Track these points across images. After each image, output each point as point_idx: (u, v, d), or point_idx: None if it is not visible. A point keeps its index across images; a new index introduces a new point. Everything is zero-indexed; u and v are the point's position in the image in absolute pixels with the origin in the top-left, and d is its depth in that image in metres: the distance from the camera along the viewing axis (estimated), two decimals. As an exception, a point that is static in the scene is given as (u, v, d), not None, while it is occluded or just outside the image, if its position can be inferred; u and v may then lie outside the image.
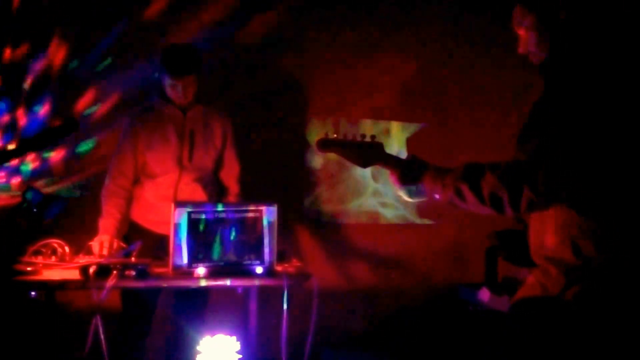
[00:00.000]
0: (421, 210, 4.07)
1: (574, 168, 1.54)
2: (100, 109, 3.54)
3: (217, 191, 3.20)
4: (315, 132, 3.80)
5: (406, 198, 1.94)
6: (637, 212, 1.58)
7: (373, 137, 2.06)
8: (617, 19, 1.68)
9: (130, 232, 3.03)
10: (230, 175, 3.20)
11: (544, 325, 1.62)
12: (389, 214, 4.06)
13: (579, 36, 1.66)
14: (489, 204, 1.61)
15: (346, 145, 2.05)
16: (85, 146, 3.52)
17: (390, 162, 2.00)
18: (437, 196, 1.78)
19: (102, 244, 2.78)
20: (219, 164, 3.18)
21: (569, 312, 1.59)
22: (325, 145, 2.06)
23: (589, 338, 1.57)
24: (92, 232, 2.90)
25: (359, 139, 2.05)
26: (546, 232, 1.66)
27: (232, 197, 3.18)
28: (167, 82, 2.96)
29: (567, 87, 1.57)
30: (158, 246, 2.85)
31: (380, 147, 2.04)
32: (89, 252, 2.76)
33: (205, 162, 3.10)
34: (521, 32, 1.77)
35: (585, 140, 1.54)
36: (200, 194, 3.08)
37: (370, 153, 2.03)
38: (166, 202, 2.96)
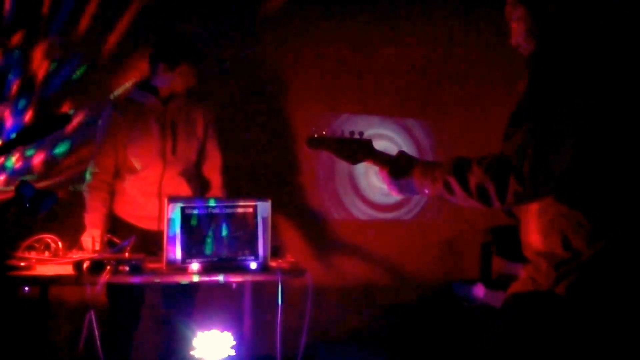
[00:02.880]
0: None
1: (560, 160, 1.54)
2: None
3: (200, 184, 3.14)
4: (309, 127, 3.79)
5: (396, 194, 1.93)
6: (626, 205, 1.59)
7: (361, 133, 2.06)
8: (606, 13, 1.68)
9: (114, 226, 2.97)
10: (213, 167, 3.13)
11: (536, 320, 1.63)
12: (384, 210, 4.06)
13: (567, 29, 1.66)
14: (476, 197, 1.61)
15: (335, 142, 2.06)
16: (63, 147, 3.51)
17: (380, 158, 2.01)
18: (426, 191, 1.78)
19: (94, 238, 2.76)
20: (200, 155, 3.11)
21: (560, 306, 1.59)
22: (315, 142, 2.07)
23: (580, 331, 1.58)
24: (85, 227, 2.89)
25: (348, 135, 2.05)
26: (536, 226, 1.67)
27: (216, 190, 3.12)
28: (183, 69, 2.91)
29: (553, 79, 1.57)
30: (142, 241, 2.80)
31: (369, 143, 2.05)
32: (82, 247, 2.75)
33: (189, 154, 3.04)
34: (512, 24, 1.78)
35: (571, 132, 1.54)
36: (184, 188, 3.02)
37: (359, 150, 2.05)
38: (150, 197, 2.94)
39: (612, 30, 1.68)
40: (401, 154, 1.94)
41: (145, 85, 3.00)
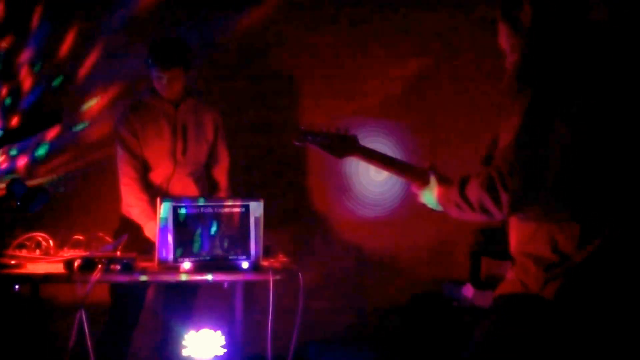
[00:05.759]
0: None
1: (550, 170, 1.56)
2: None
3: (208, 186, 3.19)
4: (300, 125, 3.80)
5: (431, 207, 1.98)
6: (614, 210, 1.60)
7: (347, 129, 2.12)
8: (585, 22, 1.70)
9: (122, 226, 3.00)
10: (221, 170, 3.19)
11: (524, 322, 1.64)
12: (374, 210, 4.07)
13: (545, 40, 1.68)
14: (479, 211, 1.63)
15: (321, 136, 2.12)
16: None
17: (366, 154, 2.08)
18: (453, 214, 1.80)
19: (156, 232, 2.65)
20: (209, 158, 3.17)
21: (548, 309, 1.60)
22: (301, 136, 2.12)
23: (568, 335, 1.59)
24: (77, 225, 2.88)
25: (333, 130, 2.11)
26: (525, 229, 1.68)
27: (222, 192, 3.17)
28: (154, 74, 2.94)
29: (536, 88, 1.58)
30: (149, 240, 2.81)
31: (354, 139, 2.11)
32: (76, 245, 2.73)
33: (199, 156, 3.10)
34: (499, 40, 1.81)
35: (558, 141, 1.56)
36: (192, 189, 3.07)
37: (344, 145, 2.11)
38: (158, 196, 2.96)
39: (592, 38, 1.69)
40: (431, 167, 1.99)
41: (154, 88, 3.03)
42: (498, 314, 1.72)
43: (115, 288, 2.94)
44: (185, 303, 3.11)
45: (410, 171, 2.09)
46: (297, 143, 2.15)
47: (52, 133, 3.40)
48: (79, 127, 3.53)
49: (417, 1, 4.03)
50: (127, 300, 2.97)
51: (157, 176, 3.03)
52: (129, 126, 2.99)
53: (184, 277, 2.52)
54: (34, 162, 3.42)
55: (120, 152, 3.00)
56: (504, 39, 1.77)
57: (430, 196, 1.93)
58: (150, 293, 3.15)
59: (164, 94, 2.99)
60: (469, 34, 4.01)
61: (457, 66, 4.09)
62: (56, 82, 3.49)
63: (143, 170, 3.01)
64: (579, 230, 1.58)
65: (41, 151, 3.43)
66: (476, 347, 1.73)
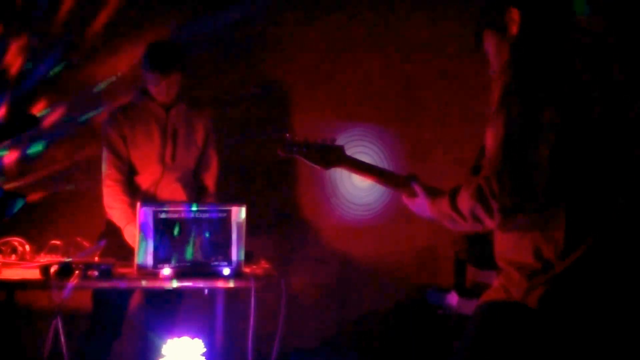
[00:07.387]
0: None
1: (537, 175, 1.56)
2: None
3: (196, 191, 3.16)
4: (285, 132, 3.78)
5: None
6: (598, 217, 1.60)
7: (333, 139, 2.12)
8: (573, 28, 1.71)
9: (107, 230, 2.97)
10: (209, 176, 3.16)
11: (506, 329, 1.65)
12: (358, 216, 4.06)
13: (531, 46, 1.68)
14: (470, 221, 1.64)
15: (307, 147, 2.11)
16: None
17: (352, 165, 2.09)
18: (447, 225, 1.80)
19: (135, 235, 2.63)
20: (198, 163, 3.14)
21: (530, 316, 1.60)
22: (287, 147, 2.11)
23: (550, 341, 1.59)
24: (54, 230, 2.84)
25: (319, 141, 2.11)
26: (508, 236, 1.68)
27: (210, 197, 3.14)
28: (150, 78, 2.92)
29: (521, 93, 1.58)
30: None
31: (340, 150, 2.11)
32: (53, 250, 2.69)
33: (188, 162, 3.07)
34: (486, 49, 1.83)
35: (543, 147, 1.55)
36: (180, 194, 3.04)
37: (330, 156, 2.11)
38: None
39: (582, 41, 1.69)
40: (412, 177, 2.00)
41: (146, 91, 3.00)
42: (481, 320, 1.73)
43: (96, 294, 2.90)
44: (170, 311, 3.06)
45: (396, 182, 2.10)
46: (282, 154, 2.14)
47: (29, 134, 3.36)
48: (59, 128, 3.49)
49: (403, 6, 4.04)
50: (109, 308, 2.92)
51: (145, 180, 2.99)
52: (117, 127, 2.95)
53: (163, 284, 2.48)
54: (11, 165, 3.37)
55: (105, 153, 2.96)
56: (491, 46, 1.78)
57: (420, 207, 1.93)
58: (134, 301, 3.10)
59: (160, 98, 2.97)
60: (457, 40, 4.01)
61: (445, 72, 4.10)
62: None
63: (128, 173, 2.98)
64: (562, 238, 1.58)
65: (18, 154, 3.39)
66: (460, 354, 1.73)
